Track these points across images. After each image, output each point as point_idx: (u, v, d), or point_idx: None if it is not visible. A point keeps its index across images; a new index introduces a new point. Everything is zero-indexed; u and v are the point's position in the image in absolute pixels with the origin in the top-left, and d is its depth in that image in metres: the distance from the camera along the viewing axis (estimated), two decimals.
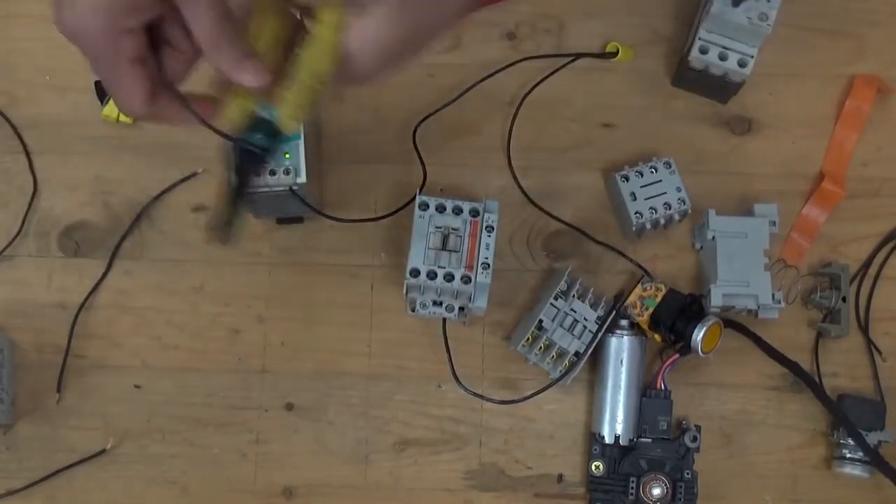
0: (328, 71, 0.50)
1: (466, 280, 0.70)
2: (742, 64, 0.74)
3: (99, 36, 0.47)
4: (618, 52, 0.80)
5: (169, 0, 0.47)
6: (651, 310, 0.73)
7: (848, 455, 0.73)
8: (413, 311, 0.72)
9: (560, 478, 0.76)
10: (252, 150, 0.52)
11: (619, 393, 0.73)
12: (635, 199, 0.74)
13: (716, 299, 0.72)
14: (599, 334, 0.73)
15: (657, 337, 0.73)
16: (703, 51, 0.74)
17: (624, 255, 0.77)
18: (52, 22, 0.47)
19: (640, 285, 0.74)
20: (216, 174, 0.78)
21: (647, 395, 0.74)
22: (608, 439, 0.73)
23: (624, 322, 0.74)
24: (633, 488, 0.73)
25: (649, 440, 0.73)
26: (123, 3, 0.46)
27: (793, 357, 0.75)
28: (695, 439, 0.73)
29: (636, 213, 0.74)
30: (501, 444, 0.76)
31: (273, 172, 0.68)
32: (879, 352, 0.77)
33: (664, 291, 0.73)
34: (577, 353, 0.73)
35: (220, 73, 0.50)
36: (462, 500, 0.75)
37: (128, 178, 0.79)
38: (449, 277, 0.70)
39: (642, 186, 0.74)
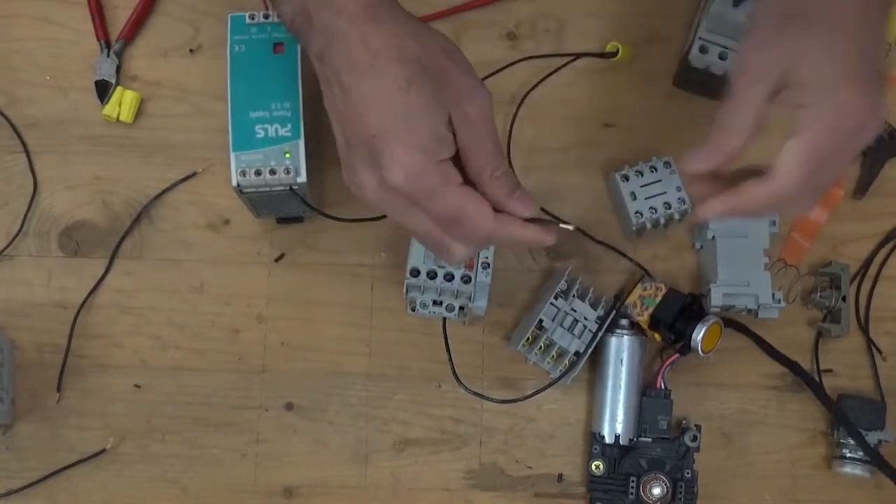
0: None
1: (466, 280, 0.70)
2: None
3: (426, 172, 0.51)
4: (618, 52, 0.80)
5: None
6: (651, 309, 0.73)
7: (848, 455, 0.74)
8: (413, 310, 0.72)
9: (560, 477, 0.76)
10: None
11: (619, 393, 0.73)
12: (635, 198, 0.74)
13: (716, 299, 0.72)
14: (599, 334, 0.73)
15: (657, 337, 0.73)
16: (704, 50, 0.74)
17: (624, 255, 0.77)
18: (365, 196, 0.53)
19: (640, 285, 0.74)
20: (216, 174, 0.78)
21: (647, 395, 0.74)
22: (608, 439, 0.73)
23: (624, 322, 0.74)
24: (633, 488, 0.73)
25: (649, 440, 0.73)
26: (432, 138, 0.51)
27: (793, 357, 0.75)
28: (695, 439, 0.73)
29: (636, 212, 0.74)
30: (501, 444, 0.76)
31: (273, 172, 0.68)
32: (879, 351, 0.77)
33: (664, 291, 0.73)
34: (577, 353, 0.73)
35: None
36: (462, 499, 0.75)
37: (128, 178, 0.79)
38: (449, 277, 0.70)
39: (642, 186, 0.74)
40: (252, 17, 0.70)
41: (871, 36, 0.51)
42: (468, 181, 0.53)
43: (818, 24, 0.50)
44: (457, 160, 0.53)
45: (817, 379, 0.76)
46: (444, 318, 0.73)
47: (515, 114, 0.80)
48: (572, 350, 0.73)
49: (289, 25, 0.56)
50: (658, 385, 0.74)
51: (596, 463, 0.74)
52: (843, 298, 0.76)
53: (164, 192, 0.79)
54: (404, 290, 0.71)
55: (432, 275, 0.70)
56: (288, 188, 0.69)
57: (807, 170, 0.51)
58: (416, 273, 0.70)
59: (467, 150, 0.52)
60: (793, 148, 0.51)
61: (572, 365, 0.73)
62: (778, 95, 0.51)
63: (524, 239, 0.54)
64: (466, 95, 0.52)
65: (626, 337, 0.74)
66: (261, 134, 0.68)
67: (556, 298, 0.73)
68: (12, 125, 0.80)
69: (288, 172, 0.69)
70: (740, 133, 0.52)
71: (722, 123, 0.53)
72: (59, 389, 0.76)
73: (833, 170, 0.52)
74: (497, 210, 0.53)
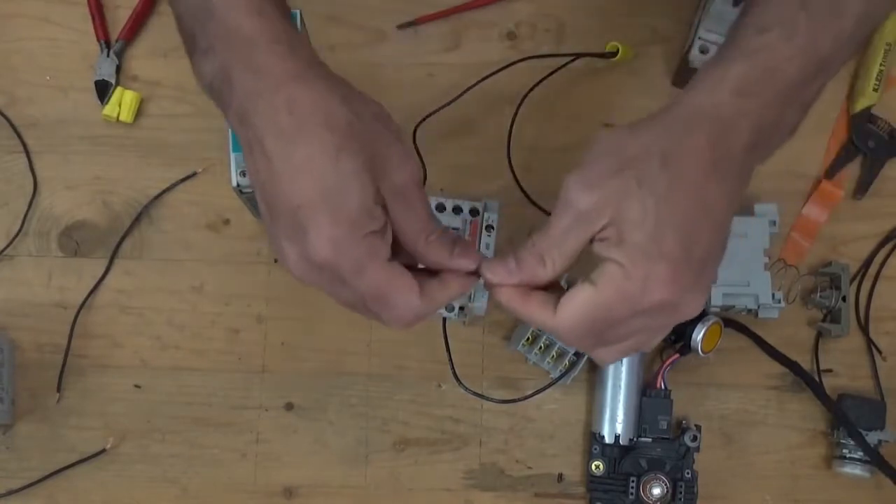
0: None
1: None
2: None
3: (351, 248, 0.48)
4: (618, 52, 0.80)
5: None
6: None
7: (848, 455, 0.74)
8: None
9: (560, 477, 0.76)
10: None
11: (619, 393, 0.73)
12: None
13: (716, 299, 0.72)
14: None
15: None
16: (703, 50, 0.74)
17: None
18: (289, 268, 0.49)
19: None
20: (216, 174, 0.78)
21: (647, 395, 0.74)
22: (608, 439, 0.73)
23: None
24: (633, 488, 0.73)
25: (649, 440, 0.73)
26: (360, 211, 0.48)
27: (793, 357, 0.75)
28: (695, 439, 0.73)
29: None
30: (501, 444, 0.76)
31: None
32: (879, 351, 0.77)
33: None
34: (577, 353, 0.73)
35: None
36: (462, 499, 0.75)
37: (128, 178, 0.79)
38: None
39: None
40: None
41: (714, 202, 0.48)
42: (403, 250, 0.51)
43: (653, 179, 0.47)
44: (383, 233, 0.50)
45: (817, 379, 0.76)
46: (444, 318, 0.73)
47: (515, 114, 0.80)
48: (572, 350, 0.73)
49: (207, 90, 0.52)
50: (658, 385, 0.74)
51: (596, 463, 0.74)
52: (843, 298, 0.76)
53: (164, 192, 0.79)
54: None
55: None
56: None
57: (585, 326, 0.48)
58: None
59: (399, 221, 0.49)
60: (581, 298, 0.48)
61: (572, 365, 0.73)
62: (595, 242, 0.48)
63: (457, 296, 0.52)
64: (396, 165, 0.49)
65: None
66: None
67: None
68: (12, 125, 0.80)
69: None
70: (554, 269, 0.50)
71: (537, 251, 0.50)
72: (59, 389, 0.76)
73: (622, 335, 0.49)
74: (440, 271, 0.51)
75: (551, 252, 0.49)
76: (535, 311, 0.50)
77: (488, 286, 0.52)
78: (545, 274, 0.50)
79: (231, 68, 0.49)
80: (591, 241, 0.49)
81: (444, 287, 0.51)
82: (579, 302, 0.48)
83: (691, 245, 0.47)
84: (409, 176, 0.49)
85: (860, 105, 0.79)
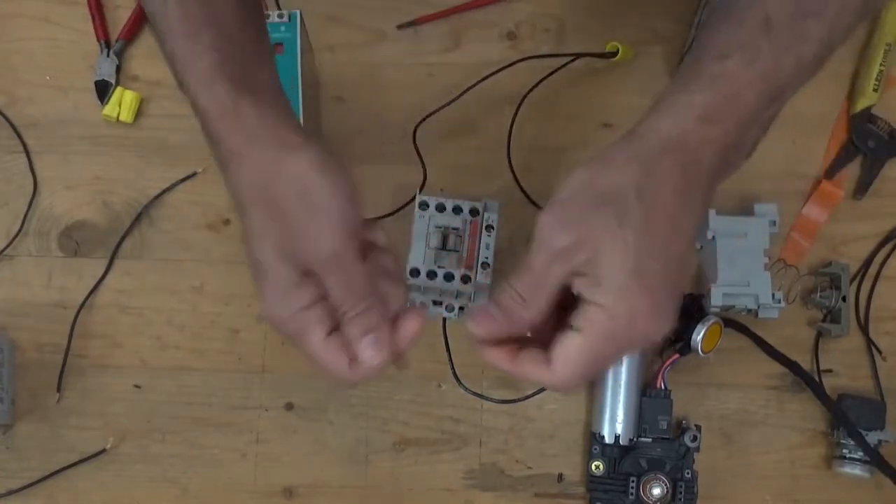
0: None
1: (466, 280, 0.70)
2: None
3: (285, 322, 0.50)
4: (618, 52, 0.80)
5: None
6: None
7: (848, 455, 0.74)
8: None
9: (560, 477, 0.76)
10: None
11: (619, 393, 0.73)
12: None
13: (716, 299, 0.72)
14: None
15: None
16: None
17: None
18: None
19: None
20: (216, 174, 0.78)
21: (647, 395, 0.74)
22: (608, 439, 0.73)
23: None
24: (633, 488, 0.73)
25: (649, 440, 0.73)
26: (287, 287, 0.50)
27: (793, 357, 0.75)
28: (695, 439, 0.73)
29: None
30: (501, 444, 0.76)
31: None
32: (879, 351, 0.77)
33: None
34: None
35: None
36: (462, 499, 0.75)
37: (128, 178, 0.79)
38: (449, 277, 0.70)
39: None
40: None
41: (686, 229, 0.49)
42: None
43: (628, 215, 0.47)
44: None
45: (817, 379, 0.76)
46: (444, 319, 0.73)
47: (515, 114, 0.80)
48: None
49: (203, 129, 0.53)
50: (658, 385, 0.74)
51: (596, 463, 0.74)
52: (843, 298, 0.76)
53: (164, 192, 0.79)
54: None
55: (432, 275, 0.70)
56: None
57: (582, 369, 0.49)
58: (416, 273, 0.70)
59: (328, 292, 0.50)
60: (572, 349, 0.48)
61: None
62: (574, 278, 0.48)
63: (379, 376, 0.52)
64: (313, 243, 0.49)
65: None
66: None
67: None
68: (12, 125, 0.80)
69: None
70: (538, 308, 0.49)
71: (517, 293, 0.50)
72: (59, 389, 0.76)
73: (610, 364, 0.52)
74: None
75: (532, 292, 0.49)
76: (528, 369, 0.50)
77: (476, 342, 0.51)
78: (529, 314, 0.49)
79: (207, 126, 0.52)
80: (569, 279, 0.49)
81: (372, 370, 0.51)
82: (571, 354, 0.48)
83: (668, 272, 0.48)
84: (325, 253, 0.49)
85: (860, 105, 0.79)
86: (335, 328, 0.51)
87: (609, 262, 0.47)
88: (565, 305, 0.50)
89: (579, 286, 0.48)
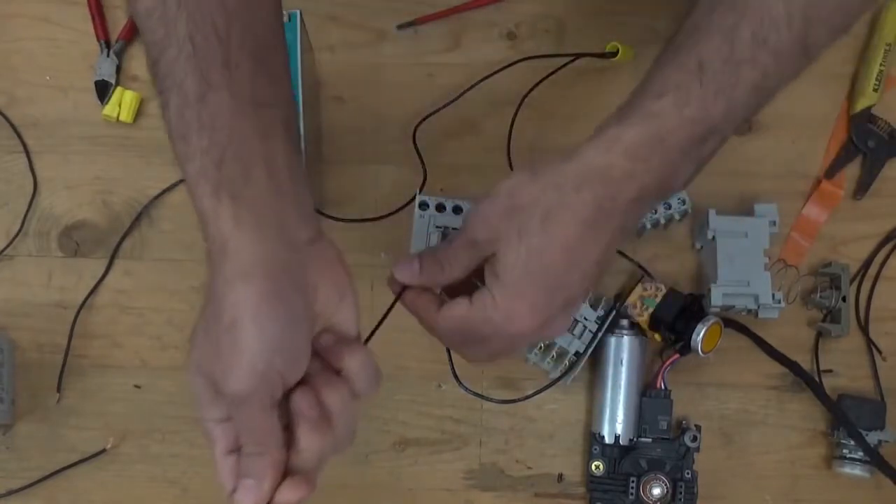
0: None
1: None
2: None
3: (202, 424, 0.52)
4: (618, 52, 0.80)
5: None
6: (651, 310, 0.73)
7: (848, 455, 0.74)
8: None
9: (560, 477, 0.76)
10: None
11: (619, 393, 0.73)
12: None
13: (716, 299, 0.72)
14: (599, 334, 0.73)
15: (657, 337, 0.73)
16: None
17: (624, 255, 0.77)
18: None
19: (640, 285, 0.74)
20: None
21: (647, 395, 0.74)
22: (608, 439, 0.73)
23: (624, 322, 0.74)
24: (633, 488, 0.73)
25: (649, 440, 0.73)
26: (207, 399, 0.51)
27: (793, 357, 0.75)
28: (695, 439, 0.73)
29: None
30: (501, 444, 0.76)
31: None
32: (879, 351, 0.77)
33: (664, 291, 0.73)
34: (577, 353, 0.73)
35: None
36: (462, 499, 0.75)
37: (128, 178, 0.79)
38: None
39: None
40: None
41: (584, 256, 0.52)
42: None
43: (531, 230, 0.52)
44: None
45: (817, 379, 0.76)
46: None
47: (515, 114, 0.80)
48: (572, 350, 0.73)
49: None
50: (658, 385, 0.74)
51: (596, 463, 0.74)
52: (843, 298, 0.76)
53: (164, 192, 0.79)
54: None
55: None
56: None
57: (456, 332, 0.55)
58: None
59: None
60: (458, 310, 0.54)
61: (572, 365, 0.73)
62: (485, 263, 0.54)
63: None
64: (223, 377, 0.49)
65: (626, 337, 0.74)
66: None
67: None
68: (12, 125, 0.80)
69: None
70: (451, 276, 0.55)
71: (436, 259, 0.56)
72: (59, 389, 0.76)
73: (486, 345, 0.55)
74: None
75: (449, 262, 0.55)
76: (422, 307, 0.56)
77: (393, 283, 0.57)
78: (443, 279, 0.56)
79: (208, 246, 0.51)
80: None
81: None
82: (455, 313, 0.54)
83: (554, 292, 0.53)
84: (231, 391, 0.49)
85: (860, 105, 0.79)
86: (238, 448, 0.51)
87: (504, 265, 0.52)
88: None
89: (486, 271, 0.54)
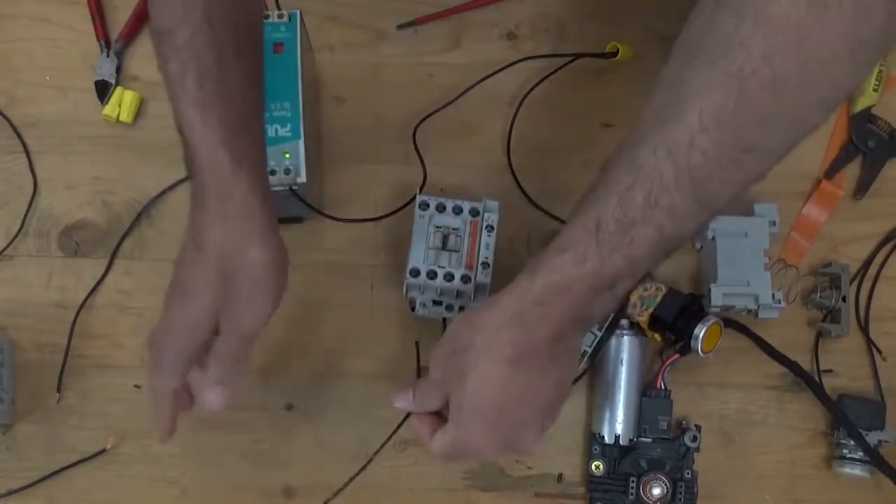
0: None
1: (466, 280, 0.70)
2: None
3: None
4: (618, 52, 0.80)
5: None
6: (651, 310, 0.72)
7: (848, 455, 0.73)
8: (413, 310, 0.72)
9: (560, 477, 0.76)
10: None
11: (619, 393, 0.73)
12: None
13: (716, 299, 0.72)
14: (601, 335, 0.73)
15: (657, 337, 0.73)
16: None
17: None
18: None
19: (640, 285, 0.74)
20: None
21: (647, 395, 0.74)
22: (608, 439, 0.73)
23: (624, 322, 0.74)
24: (633, 488, 0.73)
25: (649, 440, 0.73)
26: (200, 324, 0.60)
27: (793, 357, 0.75)
28: (695, 439, 0.73)
29: None
30: None
31: (273, 172, 0.68)
32: (879, 351, 0.77)
33: (664, 291, 0.73)
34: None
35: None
36: (462, 500, 0.75)
37: (128, 177, 0.79)
38: (449, 277, 0.70)
39: None
40: None
41: (521, 389, 0.57)
42: None
43: (469, 374, 0.57)
44: None
45: (817, 379, 0.76)
46: (444, 319, 0.73)
47: (515, 114, 0.80)
48: None
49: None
50: (658, 385, 0.74)
51: (596, 463, 0.74)
52: (843, 298, 0.76)
53: (164, 192, 0.79)
54: (404, 290, 0.71)
55: (432, 275, 0.70)
56: (288, 188, 0.69)
57: (445, 453, 0.61)
58: (416, 273, 0.70)
59: (219, 343, 0.61)
60: (443, 436, 0.61)
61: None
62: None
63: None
64: (250, 313, 0.60)
65: (626, 337, 0.74)
66: None
67: None
68: (12, 125, 0.80)
69: (288, 173, 0.69)
70: (425, 408, 0.62)
71: (416, 394, 0.62)
72: (59, 389, 0.76)
73: (474, 457, 0.61)
74: None
75: (425, 398, 0.62)
76: (421, 431, 0.63)
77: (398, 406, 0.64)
78: (432, 407, 0.62)
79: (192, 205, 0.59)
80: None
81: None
82: (441, 440, 0.61)
83: (498, 422, 0.58)
84: (254, 323, 0.61)
85: (860, 105, 0.79)
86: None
87: (457, 398, 0.58)
88: None
89: (450, 403, 0.60)
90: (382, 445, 0.74)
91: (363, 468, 0.75)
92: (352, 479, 0.74)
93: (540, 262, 0.56)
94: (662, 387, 0.74)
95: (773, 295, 0.72)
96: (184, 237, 0.59)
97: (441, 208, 0.72)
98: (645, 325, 0.73)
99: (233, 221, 0.57)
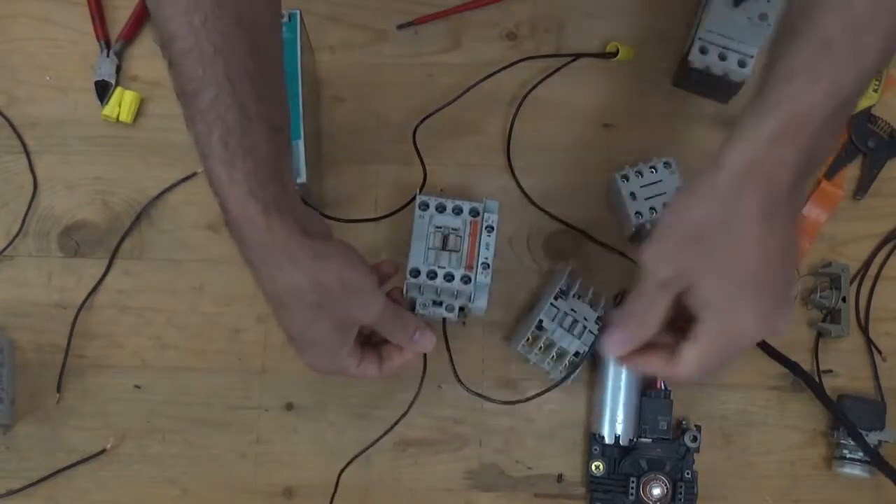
0: None
1: (466, 280, 0.70)
2: (742, 64, 0.74)
3: (328, 367, 0.64)
4: (618, 52, 0.80)
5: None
6: None
7: (848, 455, 0.74)
8: (413, 310, 0.72)
9: (560, 478, 0.76)
10: None
11: (619, 393, 0.73)
12: (635, 198, 0.74)
13: None
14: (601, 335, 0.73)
15: None
16: (703, 51, 0.74)
17: (624, 255, 0.77)
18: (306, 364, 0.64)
19: None
20: None
21: (647, 395, 0.74)
22: (608, 439, 0.73)
23: None
24: (633, 488, 0.73)
25: (649, 440, 0.73)
26: (331, 350, 0.62)
27: (793, 357, 0.75)
28: (695, 439, 0.73)
29: (636, 212, 0.74)
30: (501, 445, 0.76)
31: None
32: (879, 352, 0.77)
33: None
34: (577, 354, 0.73)
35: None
36: (462, 500, 0.75)
37: (128, 178, 0.79)
38: (449, 277, 0.70)
39: (642, 186, 0.74)
40: None
41: (775, 248, 0.54)
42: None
43: (717, 248, 0.53)
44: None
45: (817, 379, 0.76)
46: (444, 319, 0.73)
47: (515, 114, 0.80)
48: (572, 351, 0.73)
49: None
50: (658, 385, 0.74)
51: (596, 463, 0.74)
52: (843, 299, 0.76)
53: (164, 192, 0.79)
54: (404, 290, 0.71)
55: (432, 275, 0.70)
56: None
57: (701, 370, 0.56)
58: (416, 273, 0.70)
59: (388, 336, 0.65)
60: (691, 353, 0.56)
61: (575, 366, 0.73)
62: (682, 298, 0.56)
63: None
64: (361, 314, 0.62)
65: None
66: None
67: (555, 299, 0.73)
68: (12, 125, 0.80)
69: None
70: (652, 328, 0.57)
71: (635, 315, 0.58)
72: (59, 389, 0.76)
73: (728, 363, 0.57)
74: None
75: (644, 314, 0.57)
76: (658, 364, 0.58)
77: (613, 356, 0.60)
78: (647, 333, 0.57)
79: (233, 233, 0.57)
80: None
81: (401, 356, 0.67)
82: (691, 359, 0.56)
83: (762, 289, 0.53)
84: (375, 315, 0.62)
85: (860, 105, 0.79)
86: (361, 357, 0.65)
87: (708, 288, 0.54)
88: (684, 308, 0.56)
89: (690, 306, 0.55)
90: (380, 438, 0.74)
91: (358, 455, 0.75)
92: (343, 469, 0.74)
93: (760, 101, 0.52)
94: (662, 387, 0.74)
95: None
96: (255, 284, 0.59)
97: (441, 208, 0.72)
98: None
99: (287, 268, 0.57)
